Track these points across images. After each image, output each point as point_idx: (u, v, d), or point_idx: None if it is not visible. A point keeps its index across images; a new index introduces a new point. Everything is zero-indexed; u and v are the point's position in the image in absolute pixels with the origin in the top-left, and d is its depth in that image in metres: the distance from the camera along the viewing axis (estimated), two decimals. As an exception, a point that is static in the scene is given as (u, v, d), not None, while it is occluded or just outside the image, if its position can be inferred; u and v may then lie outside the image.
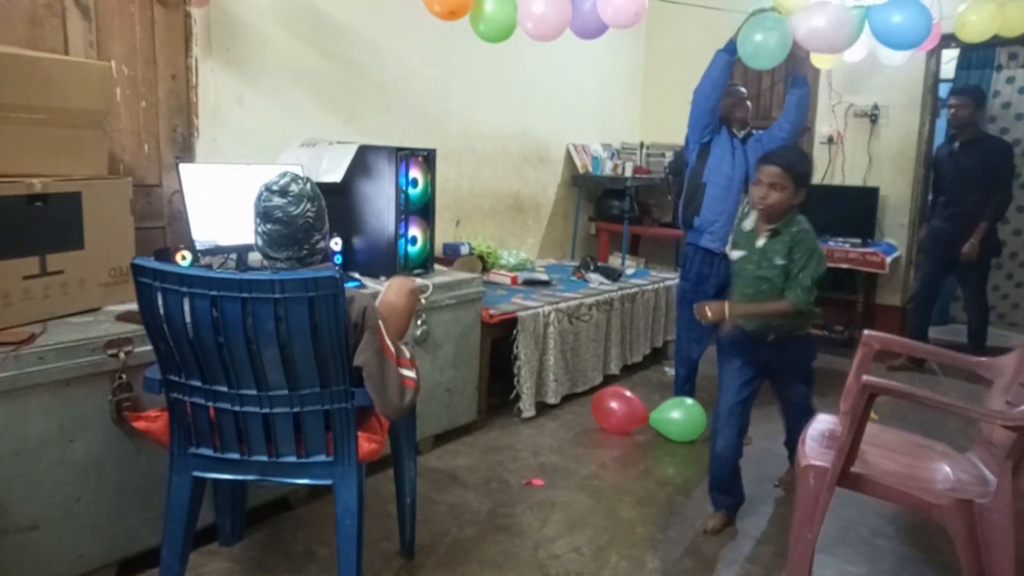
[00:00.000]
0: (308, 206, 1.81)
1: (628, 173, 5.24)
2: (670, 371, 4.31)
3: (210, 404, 1.78)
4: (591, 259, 4.67)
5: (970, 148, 4.22)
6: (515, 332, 3.45)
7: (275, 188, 1.80)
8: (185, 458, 1.85)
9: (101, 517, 2.05)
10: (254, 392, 1.76)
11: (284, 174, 1.84)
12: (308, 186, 1.84)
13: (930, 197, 4.67)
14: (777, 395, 2.78)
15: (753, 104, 3.56)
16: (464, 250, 4.21)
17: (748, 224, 2.57)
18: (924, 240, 4.63)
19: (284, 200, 1.78)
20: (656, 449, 3.35)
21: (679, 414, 3.39)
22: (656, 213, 5.53)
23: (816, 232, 2.51)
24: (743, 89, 3.49)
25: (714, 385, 3.66)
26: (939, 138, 5.20)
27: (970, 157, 4.20)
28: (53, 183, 2.09)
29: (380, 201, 2.92)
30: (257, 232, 1.83)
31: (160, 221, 2.96)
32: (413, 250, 3.02)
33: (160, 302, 1.70)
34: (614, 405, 3.50)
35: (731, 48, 3.14)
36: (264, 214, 1.80)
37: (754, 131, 3.47)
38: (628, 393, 3.57)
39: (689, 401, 3.44)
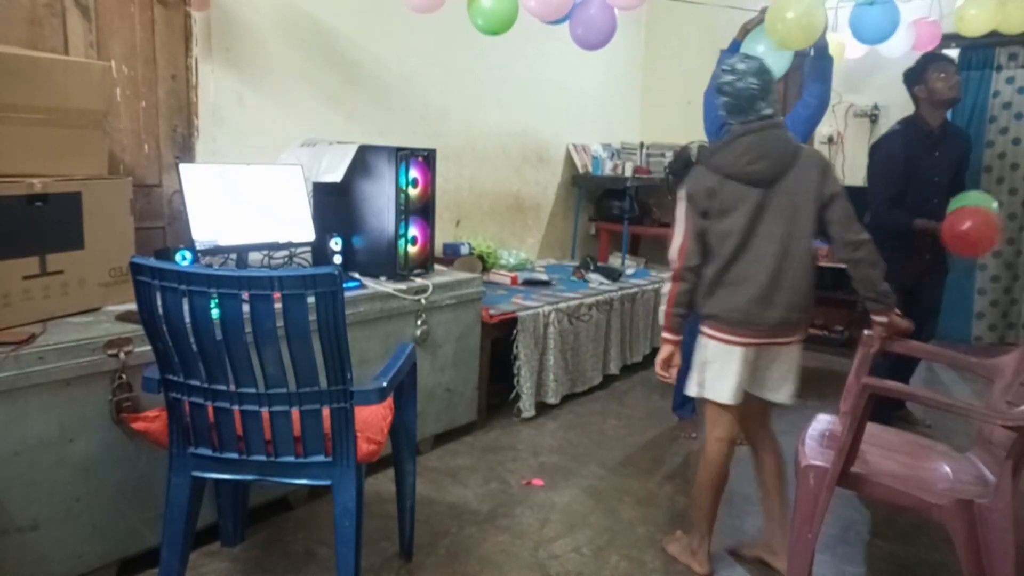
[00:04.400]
0: (752, 80, 2.14)
1: (628, 173, 5.24)
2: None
3: (209, 403, 1.78)
4: (591, 259, 4.67)
5: None
6: (515, 332, 3.45)
7: (726, 67, 2.18)
8: (184, 458, 1.85)
9: (101, 517, 2.05)
10: (253, 390, 1.76)
11: (738, 57, 2.23)
12: (754, 64, 2.17)
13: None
14: None
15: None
16: (464, 250, 4.21)
17: None
18: None
19: (731, 76, 2.16)
20: (657, 449, 3.35)
21: None
22: (656, 213, 5.52)
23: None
24: None
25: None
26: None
27: None
28: (53, 183, 2.09)
29: (380, 201, 2.92)
30: (718, 105, 2.23)
31: (160, 221, 2.97)
32: (413, 250, 3.02)
33: (159, 301, 1.70)
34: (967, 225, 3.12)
35: (735, 47, 3.13)
36: (718, 88, 2.19)
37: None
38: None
39: None
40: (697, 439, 3.43)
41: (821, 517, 2.04)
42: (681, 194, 2.22)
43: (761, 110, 2.16)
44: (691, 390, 2.31)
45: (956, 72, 3.35)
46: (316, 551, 2.36)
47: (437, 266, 3.28)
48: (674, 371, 2.30)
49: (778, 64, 2.91)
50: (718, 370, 2.22)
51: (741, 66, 2.17)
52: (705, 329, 2.25)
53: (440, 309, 3.07)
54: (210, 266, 2.63)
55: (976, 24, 3.66)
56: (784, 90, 5.09)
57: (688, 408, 3.59)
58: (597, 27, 3.16)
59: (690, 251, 2.19)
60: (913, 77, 3.39)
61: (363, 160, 2.93)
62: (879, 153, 3.46)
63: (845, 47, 4.28)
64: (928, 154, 3.36)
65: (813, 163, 2.20)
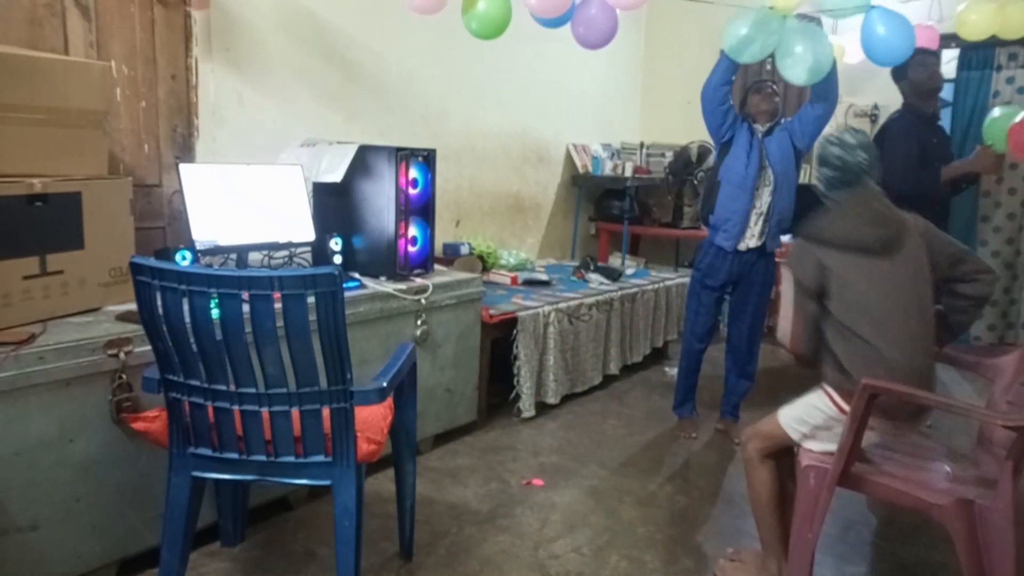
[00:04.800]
0: (862, 155, 2.07)
1: (628, 173, 5.24)
2: (670, 371, 4.32)
3: (209, 403, 1.78)
4: (591, 259, 4.67)
5: None
6: (515, 332, 3.45)
7: (833, 139, 2.12)
8: (184, 458, 1.85)
9: (101, 517, 2.06)
10: (253, 390, 1.76)
11: (844, 129, 2.15)
12: (862, 137, 2.12)
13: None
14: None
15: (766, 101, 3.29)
16: (464, 250, 4.21)
17: None
18: None
19: (840, 150, 2.08)
20: (657, 449, 3.35)
21: None
22: (656, 213, 5.52)
23: None
24: (773, 85, 3.33)
25: (715, 386, 3.67)
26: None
27: None
28: (53, 183, 2.10)
29: (380, 201, 2.92)
30: (818, 178, 2.15)
31: (160, 221, 2.97)
32: (413, 250, 3.02)
33: (159, 301, 1.70)
34: None
35: None
36: (823, 159, 2.12)
37: (783, 120, 3.32)
38: None
39: None
40: (697, 439, 3.44)
41: (822, 517, 2.04)
42: (786, 272, 2.11)
43: (868, 186, 2.09)
44: (791, 430, 2.14)
45: (936, 63, 3.55)
46: (316, 551, 2.36)
47: (437, 266, 3.28)
48: None
49: (765, 47, 2.85)
50: (834, 437, 2.04)
51: (851, 140, 2.09)
52: (840, 401, 2.04)
53: (440, 309, 3.07)
54: (210, 266, 2.63)
55: (976, 29, 3.69)
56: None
57: (688, 408, 3.59)
58: (598, 27, 3.15)
59: (801, 338, 2.07)
60: (899, 72, 3.56)
61: (363, 160, 2.93)
62: (893, 130, 3.54)
63: (845, 51, 4.29)
64: (929, 139, 3.48)
65: (916, 228, 2.07)
